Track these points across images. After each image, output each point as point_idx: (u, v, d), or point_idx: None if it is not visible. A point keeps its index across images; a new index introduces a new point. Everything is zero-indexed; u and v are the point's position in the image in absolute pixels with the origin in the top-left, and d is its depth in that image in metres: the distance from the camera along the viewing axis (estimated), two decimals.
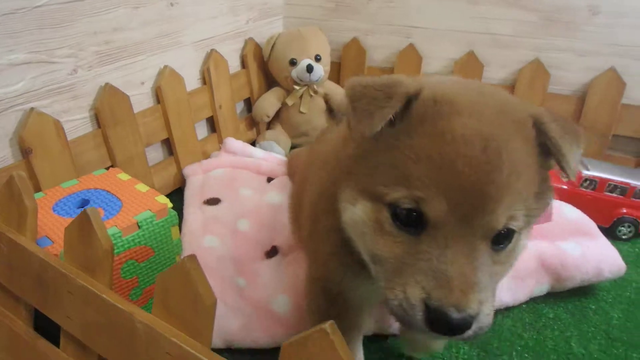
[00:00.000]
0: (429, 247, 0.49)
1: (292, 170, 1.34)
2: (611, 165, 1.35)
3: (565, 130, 0.52)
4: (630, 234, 1.31)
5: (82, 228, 0.67)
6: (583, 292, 1.12)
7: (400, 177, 0.50)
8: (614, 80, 1.40)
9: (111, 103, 1.15)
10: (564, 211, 1.15)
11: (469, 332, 0.48)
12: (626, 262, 1.24)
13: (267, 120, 1.68)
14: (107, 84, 1.15)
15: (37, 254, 0.71)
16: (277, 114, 1.71)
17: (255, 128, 1.73)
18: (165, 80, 1.29)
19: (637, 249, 1.29)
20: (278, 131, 1.69)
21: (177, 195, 1.36)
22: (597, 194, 1.29)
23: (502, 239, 0.52)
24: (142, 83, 1.27)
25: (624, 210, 1.29)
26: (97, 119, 1.14)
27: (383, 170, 0.52)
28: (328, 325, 0.49)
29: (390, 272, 0.52)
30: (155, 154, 1.35)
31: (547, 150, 0.53)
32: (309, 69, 1.57)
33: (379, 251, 0.53)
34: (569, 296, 1.10)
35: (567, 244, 1.08)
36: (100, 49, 1.14)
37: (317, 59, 1.62)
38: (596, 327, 1.03)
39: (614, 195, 1.29)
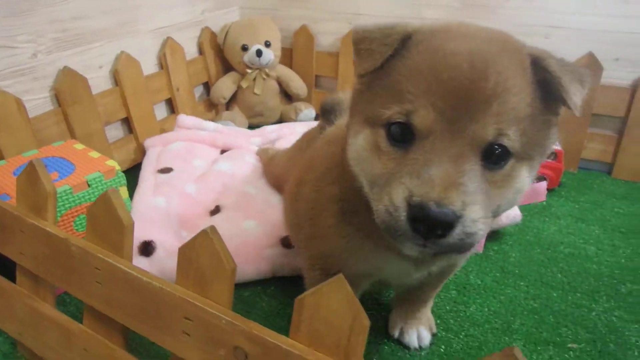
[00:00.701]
0: (415, 154, 0.50)
1: (270, 173, 1.33)
2: None
3: (566, 68, 0.52)
4: None
5: (30, 176, 0.80)
6: (488, 236, 1.26)
7: (395, 96, 0.52)
8: None
9: (70, 84, 1.26)
10: None
11: (454, 236, 0.48)
12: (532, 213, 1.39)
13: (223, 102, 1.80)
14: (65, 67, 1.26)
15: None
16: (234, 97, 1.83)
17: (214, 110, 1.85)
18: (122, 64, 1.41)
19: (544, 202, 1.44)
20: (235, 112, 1.81)
21: (138, 170, 1.48)
22: None
23: (496, 158, 0.51)
24: (100, 67, 1.38)
25: None
26: (57, 98, 1.25)
27: (381, 94, 0.54)
28: (209, 228, 0.62)
29: (382, 186, 0.53)
30: (115, 132, 1.47)
31: (549, 90, 0.53)
32: (258, 53, 1.70)
33: (376, 170, 0.54)
34: None
35: None
36: (58, 35, 1.25)
37: (267, 44, 1.74)
38: (494, 264, 1.18)
39: None
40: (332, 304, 0.54)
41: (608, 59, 1.47)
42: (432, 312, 1.01)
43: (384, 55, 0.54)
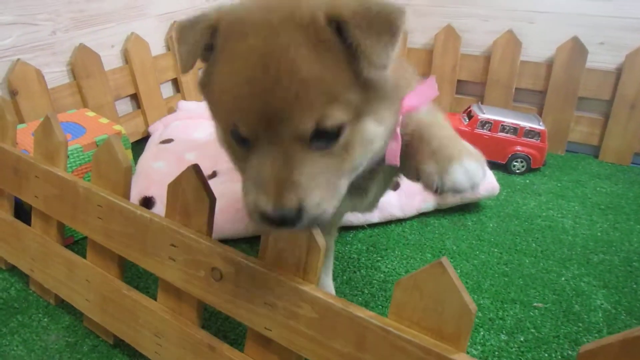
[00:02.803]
0: (252, 159, 0.54)
1: None
2: (504, 110, 1.57)
3: (369, 26, 0.50)
4: (523, 169, 1.52)
5: (45, 127, 0.91)
6: (467, 208, 1.33)
7: (222, 105, 0.55)
8: (511, 40, 1.61)
9: (84, 60, 1.38)
10: None
11: (303, 223, 0.52)
12: (514, 190, 1.46)
13: None
14: (81, 44, 1.38)
15: (13, 152, 0.95)
16: None
17: None
18: (131, 44, 1.53)
19: (527, 181, 1.51)
20: None
21: (144, 144, 1.59)
22: (492, 134, 1.50)
23: (327, 138, 0.52)
24: (112, 46, 1.50)
25: (518, 148, 1.51)
26: (73, 72, 1.38)
27: (212, 99, 0.57)
28: (193, 166, 0.72)
29: (243, 178, 0.57)
30: (125, 106, 1.59)
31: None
32: None
33: (235, 165, 0.60)
34: (455, 211, 1.32)
35: None
36: (75, 15, 1.37)
37: None
38: (471, 233, 1.25)
39: (508, 135, 1.50)
40: None
41: (593, 43, 1.53)
42: (406, 271, 1.10)
43: (193, 56, 0.55)
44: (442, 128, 0.66)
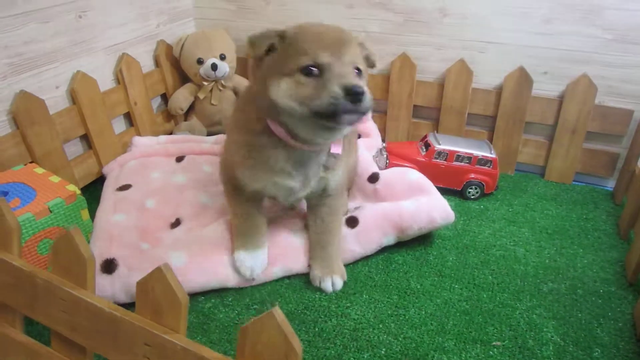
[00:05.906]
0: (328, 75, 0.92)
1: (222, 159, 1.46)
2: (459, 139, 1.63)
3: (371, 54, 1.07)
4: (477, 194, 1.60)
5: None
6: (429, 242, 1.39)
7: (300, 54, 0.93)
8: (463, 69, 1.67)
9: (27, 107, 1.30)
10: (407, 175, 1.41)
11: (366, 100, 0.91)
12: (471, 217, 1.53)
13: (180, 113, 1.85)
14: (21, 90, 1.29)
15: None
16: (192, 106, 1.89)
17: (173, 120, 1.90)
18: (78, 83, 1.45)
19: (482, 206, 1.59)
20: (194, 122, 1.87)
21: (98, 185, 1.53)
22: (448, 163, 1.56)
23: (361, 73, 0.99)
24: (57, 87, 1.42)
25: (472, 176, 1.58)
26: (15, 121, 1.29)
27: (289, 57, 0.95)
28: (163, 265, 0.71)
29: (311, 97, 0.92)
30: (75, 148, 1.51)
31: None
32: (214, 67, 1.76)
33: (302, 93, 0.93)
34: (417, 245, 1.38)
35: (406, 202, 1.33)
36: (12, 60, 1.28)
37: (222, 57, 1.80)
38: (433, 268, 1.31)
39: (462, 163, 1.57)
40: (269, 331, 0.64)
41: (537, 72, 1.62)
42: (375, 316, 1.14)
43: (268, 41, 0.97)
44: (339, 234, 1.27)
